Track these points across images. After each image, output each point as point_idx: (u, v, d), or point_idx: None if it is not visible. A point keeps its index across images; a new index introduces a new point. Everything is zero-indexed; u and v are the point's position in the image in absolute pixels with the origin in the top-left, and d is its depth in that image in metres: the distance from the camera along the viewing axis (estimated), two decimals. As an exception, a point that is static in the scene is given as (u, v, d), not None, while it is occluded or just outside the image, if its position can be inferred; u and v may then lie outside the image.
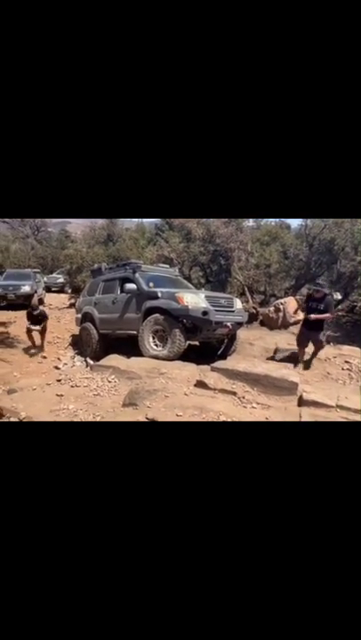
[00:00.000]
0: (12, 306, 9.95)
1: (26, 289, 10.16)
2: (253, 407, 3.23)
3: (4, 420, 3.31)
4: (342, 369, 4.51)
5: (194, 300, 4.31)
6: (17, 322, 8.58)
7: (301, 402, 3.30)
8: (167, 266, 6.86)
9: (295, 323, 6.85)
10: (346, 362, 4.64)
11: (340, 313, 7.28)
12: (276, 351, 5.24)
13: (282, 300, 7.14)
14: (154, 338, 4.53)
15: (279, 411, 3.19)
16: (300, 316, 7.01)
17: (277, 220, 10.13)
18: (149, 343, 4.50)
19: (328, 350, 5.16)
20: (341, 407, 3.16)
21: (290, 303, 6.98)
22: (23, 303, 10.11)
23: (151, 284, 4.97)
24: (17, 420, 3.21)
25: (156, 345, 4.49)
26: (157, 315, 4.43)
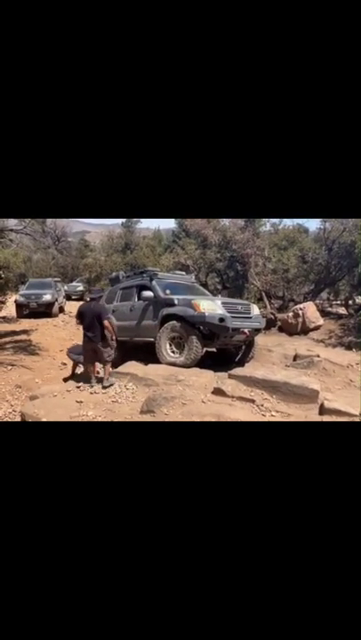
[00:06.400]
0: (35, 314, 10.31)
1: (47, 297, 10.50)
2: (273, 415, 3.16)
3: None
4: (366, 376, 4.35)
5: (210, 306, 4.30)
6: (39, 329, 8.87)
7: (323, 410, 3.20)
8: (183, 273, 6.89)
9: (315, 328, 6.69)
10: (369, 369, 4.47)
11: (362, 318, 7.04)
12: (295, 357, 5.12)
13: (301, 305, 7.00)
14: (171, 345, 4.54)
15: (300, 420, 3.10)
16: (321, 321, 6.85)
17: (295, 223, 10.00)
18: (166, 350, 4.52)
19: (351, 356, 4.99)
20: (365, 416, 3.04)
21: (309, 308, 6.84)
22: (45, 311, 10.46)
23: (168, 292, 5.01)
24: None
25: (173, 352, 4.51)
26: (174, 322, 4.45)
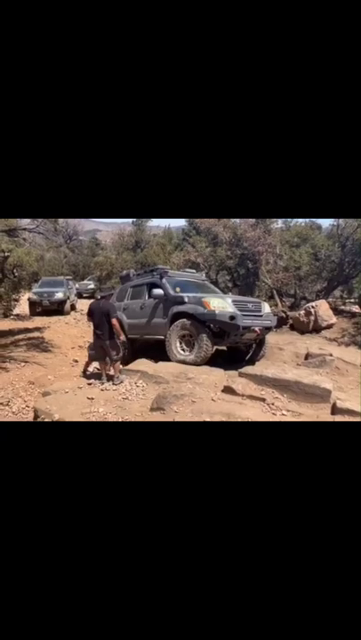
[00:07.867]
0: (47, 311, 10.48)
1: (59, 295, 10.65)
2: (283, 414, 3.14)
3: (39, 421, 3.48)
4: (380, 376, 4.26)
5: (221, 304, 4.28)
6: (51, 327, 9.02)
7: (335, 410, 3.15)
8: (194, 271, 6.87)
9: (328, 327, 6.58)
10: (384, 368, 4.38)
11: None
12: (307, 356, 5.06)
13: (313, 303, 6.90)
14: (181, 343, 4.55)
15: (311, 419, 3.07)
16: (333, 319, 6.73)
17: (307, 220, 9.85)
18: (177, 348, 4.53)
19: (364, 356, 4.89)
20: (379, 417, 2.98)
21: (322, 306, 6.73)
22: (57, 309, 10.63)
23: (178, 289, 5.00)
24: (50, 421, 3.36)
25: (183, 350, 4.51)
26: (184, 320, 4.45)
